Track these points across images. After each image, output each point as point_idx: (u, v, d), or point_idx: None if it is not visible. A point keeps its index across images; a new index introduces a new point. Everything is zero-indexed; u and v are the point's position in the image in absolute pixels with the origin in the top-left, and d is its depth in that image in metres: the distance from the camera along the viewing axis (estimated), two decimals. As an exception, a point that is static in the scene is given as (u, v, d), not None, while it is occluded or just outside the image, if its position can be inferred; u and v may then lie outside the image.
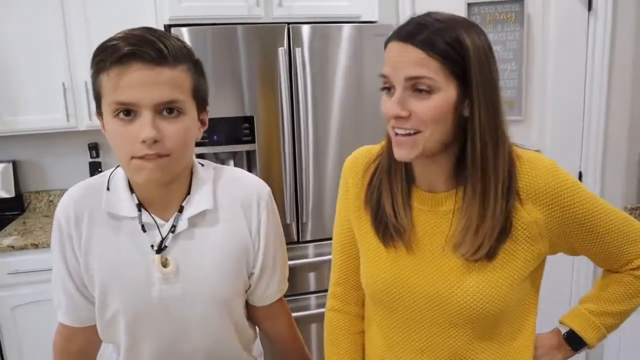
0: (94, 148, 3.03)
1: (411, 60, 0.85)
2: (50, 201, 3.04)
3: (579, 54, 2.33)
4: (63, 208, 1.01)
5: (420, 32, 0.85)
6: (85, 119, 2.69)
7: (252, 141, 2.43)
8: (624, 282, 1.02)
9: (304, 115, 2.48)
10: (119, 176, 1.01)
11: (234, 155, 2.53)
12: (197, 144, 2.20)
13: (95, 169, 3.05)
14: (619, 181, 2.31)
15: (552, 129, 2.43)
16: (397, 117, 0.87)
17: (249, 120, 2.42)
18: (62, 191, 3.02)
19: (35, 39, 2.57)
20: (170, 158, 0.90)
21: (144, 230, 0.98)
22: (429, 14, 0.89)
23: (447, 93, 0.86)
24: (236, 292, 1.05)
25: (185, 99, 0.91)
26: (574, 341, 1.04)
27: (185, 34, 2.31)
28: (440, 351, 0.98)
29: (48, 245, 2.41)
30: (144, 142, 0.87)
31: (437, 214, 0.96)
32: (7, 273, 2.41)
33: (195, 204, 1.00)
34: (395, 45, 0.87)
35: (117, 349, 1.07)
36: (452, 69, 0.85)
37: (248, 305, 1.14)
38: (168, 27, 2.48)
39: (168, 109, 0.89)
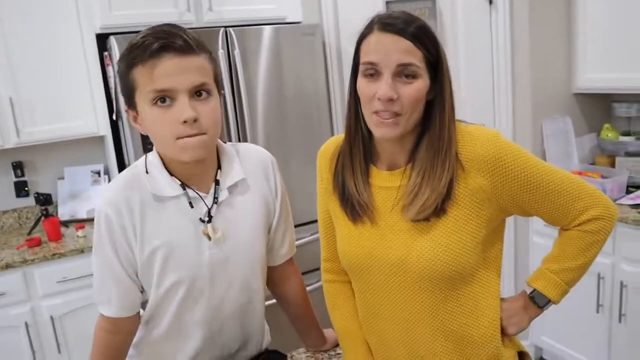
0: (18, 167, 2.89)
1: (402, 49, 0.97)
2: (-27, 227, 2.86)
3: (484, 42, 2.64)
4: (110, 204, 1.06)
5: (408, 26, 0.99)
6: (13, 137, 2.58)
7: (199, 143, 2.49)
8: (575, 238, 1.10)
9: (249, 114, 2.59)
10: (153, 162, 1.08)
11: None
12: (146, 150, 2.30)
13: (21, 188, 2.91)
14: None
15: (465, 110, 2.73)
16: (389, 100, 0.98)
17: (195, 123, 2.47)
18: (-13, 215, 2.85)
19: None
20: (207, 135, 1.01)
21: (192, 206, 1.08)
22: (403, 12, 1.03)
23: (424, 80, 1.01)
24: (264, 250, 1.19)
25: (211, 82, 1.02)
26: (539, 299, 1.13)
27: (116, 43, 2.31)
28: (409, 314, 1.08)
29: (-10, 270, 2.31)
30: (185, 122, 0.97)
31: (391, 189, 1.09)
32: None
33: (231, 175, 1.11)
34: (384, 36, 0.98)
35: (152, 325, 1.16)
36: (429, 60, 1.01)
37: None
38: (99, 36, 2.46)
39: (198, 92, 1.00)
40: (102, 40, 2.47)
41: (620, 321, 2.33)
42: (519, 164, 1.03)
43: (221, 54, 2.48)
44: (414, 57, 0.98)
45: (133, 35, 2.27)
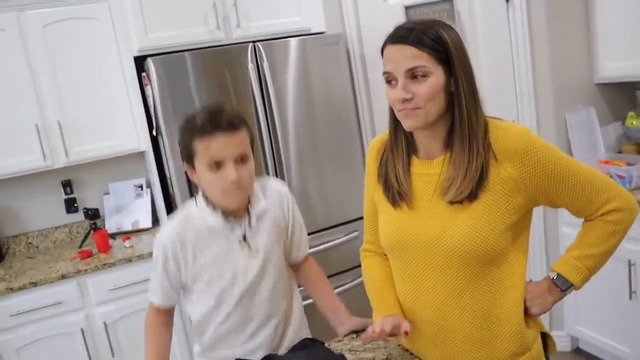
0: (67, 185, 3.09)
1: (407, 56, 1.11)
2: (29, 243, 3.06)
3: (503, 39, 2.71)
4: (168, 235, 1.44)
5: (409, 34, 1.12)
6: (62, 157, 2.77)
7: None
8: (597, 227, 1.20)
9: (280, 123, 2.72)
10: (200, 201, 1.45)
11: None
12: None
13: (71, 205, 3.10)
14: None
15: (488, 106, 2.79)
16: (404, 100, 1.13)
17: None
18: (41, 231, 3.06)
19: (1, 82, 2.63)
20: (247, 190, 1.39)
21: (231, 231, 1.44)
22: (411, 21, 1.18)
23: (437, 76, 1.13)
24: (282, 252, 1.54)
25: (248, 150, 1.38)
26: (562, 283, 1.23)
27: (153, 63, 2.47)
28: (442, 290, 1.19)
29: (46, 282, 2.49)
30: (232, 182, 1.33)
31: (430, 176, 1.22)
32: (9, 315, 2.45)
33: (258, 207, 1.47)
34: (392, 48, 1.13)
35: (195, 313, 1.52)
36: (438, 57, 1.12)
37: (292, 268, 1.65)
38: (137, 59, 2.64)
39: (240, 159, 1.34)
40: (139, 62, 2.64)
41: (654, 306, 2.36)
42: (546, 157, 1.15)
43: (251, 67, 2.62)
44: (420, 59, 1.12)
45: (169, 55, 2.48)
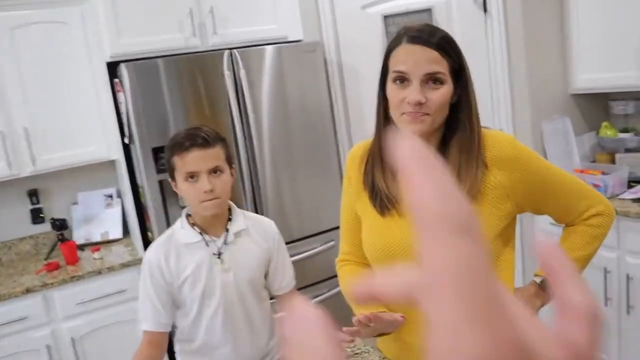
0: (33, 194, 2.97)
1: (430, 59, 1.09)
2: (-8, 255, 2.93)
3: (481, 49, 2.73)
4: (153, 252, 1.53)
5: (433, 37, 1.09)
6: (28, 165, 2.66)
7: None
8: (580, 232, 1.22)
9: (256, 130, 2.67)
10: (182, 221, 1.56)
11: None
12: (160, 171, 2.39)
13: (37, 215, 2.98)
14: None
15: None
16: (419, 103, 1.09)
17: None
18: (4, 243, 2.92)
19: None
20: (220, 199, 1.48)
21: (207, 245, 1.53)
22: (427, 24, 1.15)
23: (449, 85, 1.12)
24: (260, 273, 1.60)
25: (223, 164, 1.49)
26: (548, 287, 1.29)
27: (126, 69, 2.40)
28: None
29: (10, 297, 2.37)
30: (206, 192, 1.44)
31: None
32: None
33: (237, 225, 1.56)
34: (413, 47, 1.10)
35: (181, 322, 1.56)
36: (453, 66, 1.11)
37: (277, 299, 1.69)
38: (110, 64, 2.56)
39: (214, 171, 1.46)
40: (112, 68, 2.56)
41: (628, 313, 2.38)
42: (533, 164, 1.16)
43: (227, 75, 2.56)
44: (440, 65, 1.09)
45: (142, 61, 2.41)
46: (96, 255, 2.67)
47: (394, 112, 1.16)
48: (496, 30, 2.68)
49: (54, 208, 3.04)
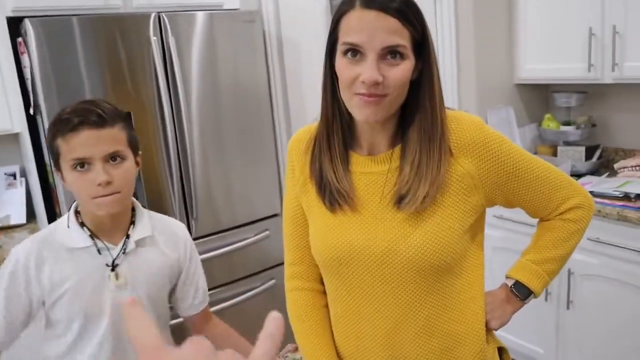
0: None
1: (388, 29, 0.88)
2: None
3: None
4: (25, 251, 1.22)
5: (393, 1, 0.89)
6: None
7: (131, 138, 2.27)
8: (556, 228, 1.09)
9: (185, 106, 2.39)
10: (70, 217, 1.25)
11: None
12: None
13: None
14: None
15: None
16: (375, 83, 0.89)
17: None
18: None
19: None
20: (121, 194, 1.20)
21: (100, 253, 1.24)
22: None
23: (411, 60, 0.92)
24: (165, 294, 1.36)
25: (124, 149, 1.20)
26: (521, 291, 1.09)
27: (32, 26, 2.05)
28: (393, 310, 1.00)
29: None
30: (99, 185, 1.15)
31: (374, 174, 1.01)
32: None
33: (140, 231, 1.28)
34: (367, 13, 0.89)
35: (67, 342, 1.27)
36: (415, 37, 0.92)
37: (187, 322, 1.45)
38: (11, 20, 2.19)
39: (113, 157, 1.17)
40: (14, 24, 2.19)
41: (568, 308, 2.36)
42: (504, 151, 1.00)
43: (154, 40, 2.27)
44: (401, 37, 0.90)
45: (53, 18, 2.07)
46: (-8, 242, 2.31)
47: (344, 93, 0.96)
48: (445, 15, 2.58)
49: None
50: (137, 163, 1.27)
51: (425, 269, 0.97)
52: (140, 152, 1.29)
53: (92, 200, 1.17)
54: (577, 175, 2.58)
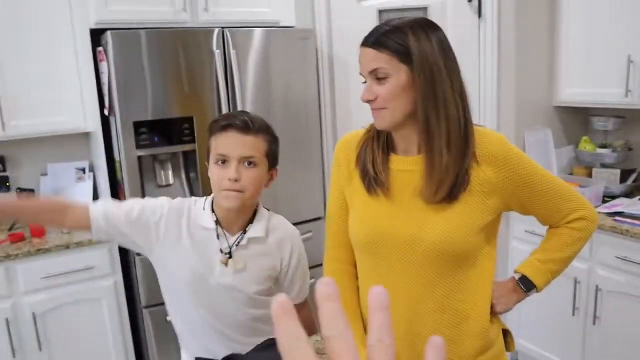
0: (0, 162, 2.83)
1: (369, 58, 1.13)
2: (-49, 222, 2.77)
3: (473, 54, 2.74)
4: (174, 208, 1.42)
5: (371, 36, 1.14)
6: (-2, 129, 2.53)
7: (193, 141, 2.50)
8: (563, 234, 1.26)
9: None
10: (207, 201, 1.45)
11: (171, 157, 2.56)
12: (139, 147, 2.29)
13: (2, 184, 2.85)
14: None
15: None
16: (368, 101, 1.15)
17: (189, 121, 2.48)
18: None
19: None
20: (244, 194, 1.34)
21: (218, 238, 1.41)
22: (386, 22, 1.16)
23: (398, 77, 1.12)
24: (262, 290, 1.45)
25: (260, 157, 1.36)
26: (526, 285, 1.27)
27: (112, 38, 2.31)
28: (416, 286, 1.18)
29: None
30: (229, 180, 1.32)
31: (409, 172, 1.20)
32: None
33: (255, 230, 1.43)
34: (360, 50, 1.16)
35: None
36: (399, 58, 1.11)
37: None
38: (94, 32, 2.45)
39: (248, 162, 1.34)
40: (96, 35, 2.46)
41: (594, 324, 2.44)
42: (522, 164, 1.18)
43: (217, 53, 2.50)
44: (379, 61, 1.12)
45: (129, 31, 2.32)
46: (65, 229, 2.57)
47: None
48: (489, 36, 2.69)
49: (21, 178, 2.91)
50: (271, 176, 1.42)
51: (445, 255, 1.15)
52: (277, 168, 1.44)
53: (221, 192, 1.34)
54: (611, 197, 2.66)
